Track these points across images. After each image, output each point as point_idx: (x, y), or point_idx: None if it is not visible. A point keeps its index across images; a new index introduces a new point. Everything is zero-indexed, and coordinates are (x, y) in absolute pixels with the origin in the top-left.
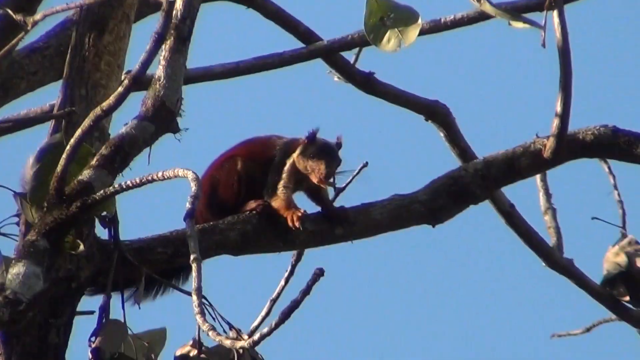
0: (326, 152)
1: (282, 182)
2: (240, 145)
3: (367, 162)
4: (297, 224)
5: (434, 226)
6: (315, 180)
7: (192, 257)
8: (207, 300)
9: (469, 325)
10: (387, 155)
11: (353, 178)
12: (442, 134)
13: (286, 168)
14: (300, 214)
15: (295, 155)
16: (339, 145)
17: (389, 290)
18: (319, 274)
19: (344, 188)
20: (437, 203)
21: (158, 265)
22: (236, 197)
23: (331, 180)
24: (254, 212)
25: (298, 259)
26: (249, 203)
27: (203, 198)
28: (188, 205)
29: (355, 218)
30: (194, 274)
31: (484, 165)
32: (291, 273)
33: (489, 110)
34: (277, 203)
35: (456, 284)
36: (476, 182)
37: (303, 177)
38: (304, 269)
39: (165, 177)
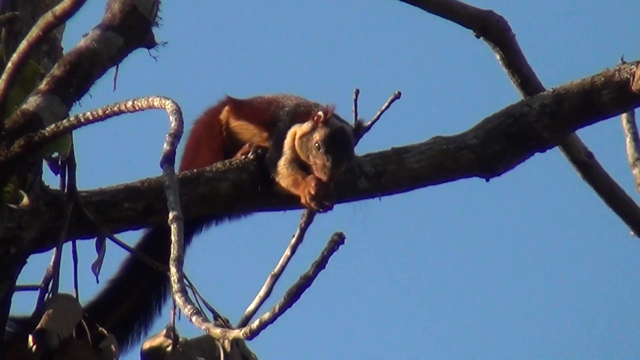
0: (336, 145)
1: (283, 159)
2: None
3: (399, 93)
4: (313, 205)
5: (487, 179)
6: (309, 191)
7: (170, 215)
8: (187, 279)
9: (533, 309)
10: (426, 83)
11: (382, 113)
12: (497, 56)
13: (286, 143)
14: (314, 188)
15: (297, 133)
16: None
17: (428, 260)
18: (338, 240)
19: (369, 127)
20: (491, 148)
21: (125, 224)
22: (215, 155)
23: (329, 196)
24: (248, 157)
25: (309, 220)
26: (243, 147)
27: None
28: (166, 147)
29: (384, 167)
30: (173, 237)
31: (553, 100)
32: (299, 239)
33: (560, 27)
34: (283, 182)
35: (516, 254)
36: (543, 121)
37: (303, 164)
38: (315, 234)
39: (137, 107)
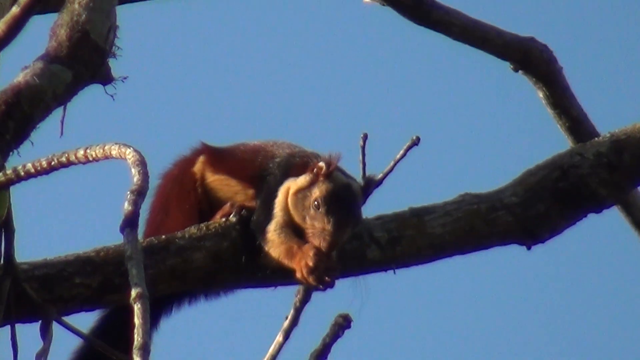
0: (339, 205)
1: (274, 222)
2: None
3: (418, 138)
4: (310, 280)
5: (529, 247)
6: (307, 262)
7: (133, 292)
8: None
9: None
10: (451, 126)
11: (397, 163)
12: (540, 94)
13: (278, 202)
14: (313, 260)
15: (292, 188)
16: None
17: (455, 345)
18: (343, 324)
19: (381, 181)
20: (534, 209)
21: (76, 304)
22: (188, 217)
23: (331, 269)
24: (229, 219)
25: (305, 297)
26: (223, 207)
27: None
28: (127, 207)
29: (400, 232)
30: (136, 320)
31: (610, 147)
32: (294, 322)
33: (619, 58)
34: (274, 252)
35: (563, 338)
36: (598, 174)
37: (298, 228)
38: (314, 314)
39: (90, 158)
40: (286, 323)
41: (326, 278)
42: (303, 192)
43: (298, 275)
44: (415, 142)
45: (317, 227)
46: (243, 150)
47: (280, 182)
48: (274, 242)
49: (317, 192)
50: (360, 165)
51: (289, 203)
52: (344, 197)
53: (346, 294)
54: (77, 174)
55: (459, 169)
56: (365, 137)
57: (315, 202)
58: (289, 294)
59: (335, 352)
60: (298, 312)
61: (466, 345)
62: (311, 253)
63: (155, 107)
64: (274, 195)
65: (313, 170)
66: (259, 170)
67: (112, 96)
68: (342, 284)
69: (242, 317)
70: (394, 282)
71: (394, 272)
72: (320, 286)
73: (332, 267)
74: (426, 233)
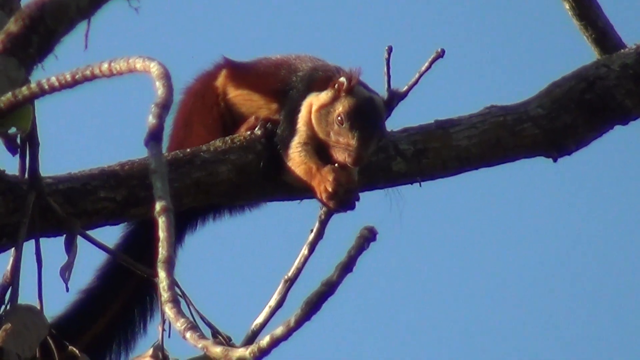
0: (363, 119)
1: (297, 138)
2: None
3: (442, 50)
4: (330, 204)
5: (555, 160)
6: (326, 187)
7: (157, 205)
8: (179, 287)
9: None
10: (476, 39)
11: (422, 75)
12: (566, 5)
13: (301, 116)
14: (332, 184)
15: (314, 104)
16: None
17: (480, 260)
18: (368, 236)
19: (406, 93)
20: (560, 121)
21: (100, 218)
22: (211, 132)
23: (351, 192)
24: (255, 133)
25: (330, 210)
26: (248, 120)
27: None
28: (152, 120)
29: (426, 144)
30: (161, 233)
31: (637, 59)
32: (319, 235)
33: None
34: (294, 169)
35: (591, 254)
36: (624, 85)
37: (323, 143)
38: (339, 227)
39: (115, 71)
40: (311, 236)
41: (346, 200)
42: (326, 108)
43: (317, 196)
44: (440, 55)
45: (342, 142)
46: (265, 65)
47: (303, 97)
48: (295, 161)
49: (339, 108)
50: (385, 78)
51: (312, 120)
52: (367, 111)
53: (373, 206)
54: (102, 88)
55: (484, 81)
56: (390, 50)
57: (339, 118)
58: (314, 207)
59: (361, 264)
60: (323, 225)
61: (490, 258)
62: (330, 178)
63: (178, 21)
64: (297, 110)
65: (334, 86)
66: (282, 84)
67: (136, 9)
68: (367, 196)
69: (267, 231)
70: (420, 195)
71: (420, 185)
72: (340, 209)
73: (352, 188)
74: (452, 145)
